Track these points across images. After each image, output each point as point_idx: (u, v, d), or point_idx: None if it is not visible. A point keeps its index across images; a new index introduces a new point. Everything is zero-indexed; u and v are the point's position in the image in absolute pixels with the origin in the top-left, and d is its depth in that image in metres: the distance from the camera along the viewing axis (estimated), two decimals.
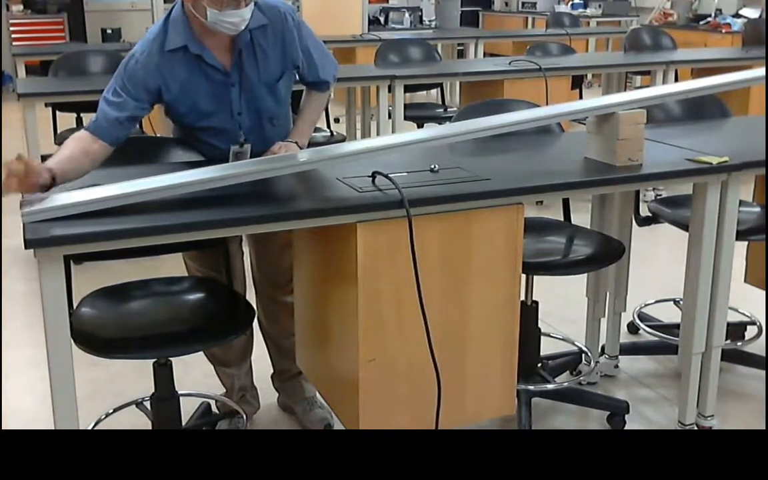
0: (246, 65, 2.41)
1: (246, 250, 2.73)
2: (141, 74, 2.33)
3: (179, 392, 2.46)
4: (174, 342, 2.25)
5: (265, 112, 2.49)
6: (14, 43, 8.81)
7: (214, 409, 2.88)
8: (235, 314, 2.39)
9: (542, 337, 2.92)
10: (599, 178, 2.45)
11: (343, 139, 5.07)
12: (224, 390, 2.86)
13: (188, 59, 2.36)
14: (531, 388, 2.82)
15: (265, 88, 2.46)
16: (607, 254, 2.76)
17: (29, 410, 2.94)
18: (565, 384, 3.06)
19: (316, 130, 4.93)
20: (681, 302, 2.77)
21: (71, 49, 5.62)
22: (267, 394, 2.94)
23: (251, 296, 2.66)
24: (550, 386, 2.88)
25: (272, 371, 2.92)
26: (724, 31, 8.55)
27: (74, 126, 5.01)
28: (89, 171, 2.23)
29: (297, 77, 2.58)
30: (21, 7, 10.05)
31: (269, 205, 2.11)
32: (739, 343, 3.31)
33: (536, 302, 2.83)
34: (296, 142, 2.50)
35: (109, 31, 10.01)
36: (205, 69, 2.38)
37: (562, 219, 3.01)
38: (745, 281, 3.35)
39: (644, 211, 3.15)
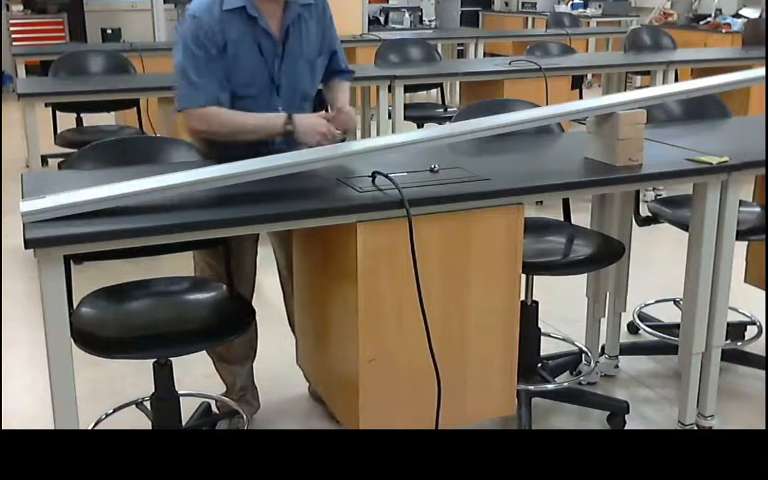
0: (292, 39, 2.50)
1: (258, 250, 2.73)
2: (210, 31, 2.39)
3: (179, 392, 2.46)
4: (174, 342, 2.25)
5: (301, 90, 2.58)
6: (14, 43, 8.80)
7: (214, 409, 2.88)
8: (235, 314, 2.39)
9: (542, 337, 2.92)
10: (599, 178, 2.46)
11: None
12: (224, 389, 2.86)
13: (243, 21, 2.43)
14: (531, 388, 2.82)
15: (306, 64, 2.56)
16: (607, 254, 2.76)
17: (29, 410, 2.94)
18: (565, 384, 3.06)
19: None
20: (681, 302, 2.77)
21: (71, 49, 5.61)
22: (267, 394, 2.94)
23: (256, 297, 2.66)
24: (550, 386, 2.88)
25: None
26: (724, 31, 8.55)
27: (74, 126, 5.02)
28: None
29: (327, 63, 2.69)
30: (21, 7, 10.04)
31: (269, 205, 2.10)
32: (739, 343, 3.30)
33: (536, 302, 2.83)
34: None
35: (109, 31, 10.02)
36: (257, 34, 2.45)
37: (562, 219, 3.01)
38: (745, 281, 3.35)
39: (644, 211, 3.15)
